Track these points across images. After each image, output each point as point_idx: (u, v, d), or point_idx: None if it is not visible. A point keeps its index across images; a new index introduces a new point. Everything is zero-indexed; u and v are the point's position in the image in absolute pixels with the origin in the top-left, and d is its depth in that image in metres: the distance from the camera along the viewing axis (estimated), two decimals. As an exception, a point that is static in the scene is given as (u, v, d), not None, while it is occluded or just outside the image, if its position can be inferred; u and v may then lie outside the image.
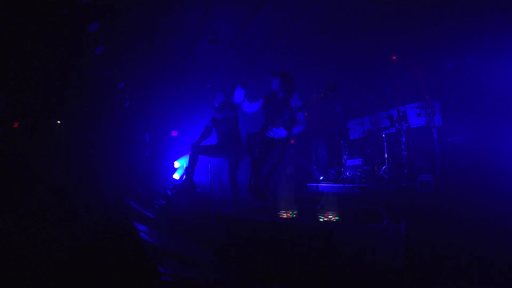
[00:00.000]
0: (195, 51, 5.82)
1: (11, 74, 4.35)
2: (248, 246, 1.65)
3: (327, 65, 6.48)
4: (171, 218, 3.30)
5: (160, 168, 9.43)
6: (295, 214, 1.93)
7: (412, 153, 6.43)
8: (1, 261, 1.62)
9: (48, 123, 5.92)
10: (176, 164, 10.04)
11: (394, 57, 7.93)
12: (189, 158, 3.71)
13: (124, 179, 6.96)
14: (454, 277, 1.44)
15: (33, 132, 5.44)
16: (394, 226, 1.28)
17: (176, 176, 9.94)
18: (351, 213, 1.84)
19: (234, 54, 5.95)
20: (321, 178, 8.54)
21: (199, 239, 2.27)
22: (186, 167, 3.77)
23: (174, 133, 9.89)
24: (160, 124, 9.48)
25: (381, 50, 5.92)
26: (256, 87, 7.98)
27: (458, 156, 5.51)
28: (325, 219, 1.67)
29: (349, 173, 7.26)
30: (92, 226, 2.75)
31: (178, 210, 3.42)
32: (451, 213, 3.31)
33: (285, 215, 1.87)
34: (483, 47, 5.36)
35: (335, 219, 1.67)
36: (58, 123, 6.18)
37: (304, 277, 1.39)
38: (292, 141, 11.22)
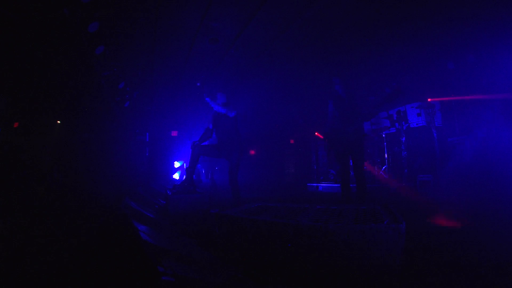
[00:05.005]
0: (195, 51, 5.82)
1: (11, 74, 4.35)
2: (248, 246, 1.65)
3: (327, 65, 6.47)
4: (171, 218, 3.30)
5: (160, 168, 9.43)
6: (295, 214, 1.93)
7: (412, 153, 6.43)
8: (1, 261, 1.62)
9: (48, 123, 5.93)
10: (176, 164, 10.05)
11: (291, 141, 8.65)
12: (190, 158, 3.69)
13: (124, 179, 6.96)
14: (454, 277, 1.44)
15: (33, 132, 5.44)
16: (394, 226, 1.28)
17: (176, 176, 9.95)
18: (351, 213, 1.84)
19: (234, 54, 5.94)
20: (321, 178, 8.54)
21: (199, 239, 2.27)
22: (186, 167, 3.76)
23: (174, 133, 9.90)
24: (160, 124, 9.47)
25: (381, 50, 5.91)
26: (258, 86, 7.96)
27: (458, 156, 5.51)
28: (325, 219, 1.67)
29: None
30: (92, 226, 2.75)
31: (178, 210, 3.41)
32: (451, 213, 3.31)
33: (285, 215, 1.87)
34: (483, 47, 5.36)
35: (335, 219, 1.67)
36: (58, 123, 6.19)
37: (304, 277, 1.39)
38: (292, 141, 11.23)
